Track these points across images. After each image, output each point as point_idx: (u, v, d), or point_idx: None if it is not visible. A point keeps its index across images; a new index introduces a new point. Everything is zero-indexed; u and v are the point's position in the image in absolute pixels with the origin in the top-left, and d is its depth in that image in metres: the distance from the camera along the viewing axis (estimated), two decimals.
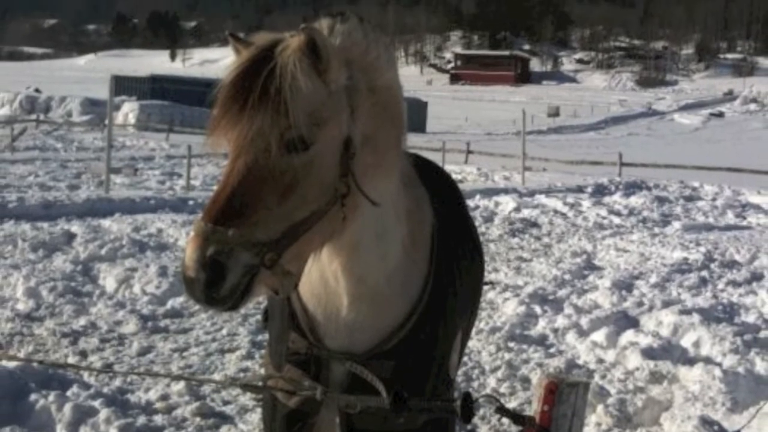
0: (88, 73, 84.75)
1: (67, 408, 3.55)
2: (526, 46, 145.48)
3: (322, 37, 1.42)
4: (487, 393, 3.97)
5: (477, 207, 11.09)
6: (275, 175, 1.39)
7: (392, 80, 1.61)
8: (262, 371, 1.99)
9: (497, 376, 4.48)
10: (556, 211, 11.33)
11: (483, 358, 4.79)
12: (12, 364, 3.82)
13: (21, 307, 5.40)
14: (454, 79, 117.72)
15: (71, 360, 4.44)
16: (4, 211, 8.71)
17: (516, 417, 1.63)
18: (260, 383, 1.87)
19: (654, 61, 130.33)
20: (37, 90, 40.48)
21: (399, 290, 1.71)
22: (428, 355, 1.76)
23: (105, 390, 3.90)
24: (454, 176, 2.55)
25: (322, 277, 1.70)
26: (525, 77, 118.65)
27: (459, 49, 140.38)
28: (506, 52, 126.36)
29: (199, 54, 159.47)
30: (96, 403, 3.67)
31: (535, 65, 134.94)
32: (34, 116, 30.38)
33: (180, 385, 3.98)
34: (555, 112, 55.58)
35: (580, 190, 13.80)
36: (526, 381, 4.42)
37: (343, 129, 1.46)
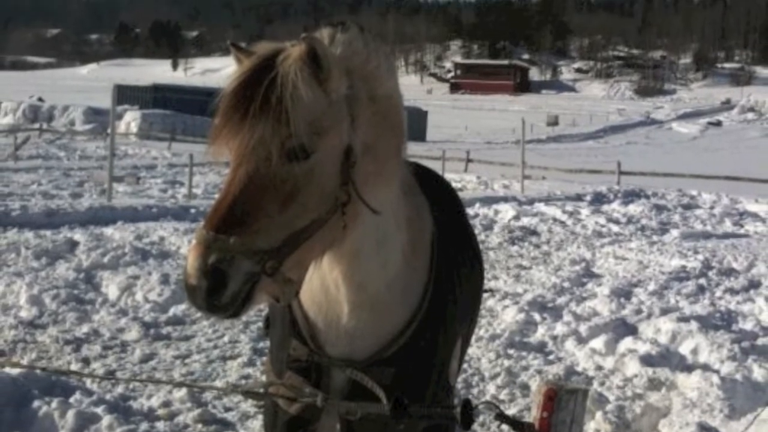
0: (91, 82, 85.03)
1: (70, 415, 3.57)
2: (526, 56, 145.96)
3: (323, 47, 1.44)
4: (487, 400, 3.97)
5: (477, 215, 11.11)
6: (276, 183, 1.40)
7: (392, 89, 1.62)
8: (264, 378, 1.99)
9: (497, 382, 4.50)
10: (555, 220, 11.34)
11: (483, 365, 4.81)
12: (15, 371, 3.84)
13: (24, 314, 5.43)
14: (454, 88, 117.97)
15: (74, 367, 4.45)
16: (8, 219, 8.73)
17: (515, 423, 1.65)
18: (261, 390, 1.88)
19: (652, 70, 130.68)
20: (40, 99, 40.62)
21: (399, 298, 1.72)
22: (428, 362, 1.77)
23: (107, 397, 3.92)
24: (453, 185, 2.57)
25: (323, 285, 1.71)
26: (524, 86, 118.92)
27: (459, 59, 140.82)
28: (505, 62, 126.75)
29: (200, 63, 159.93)
30: (99, 410, 3.68)
31: (535, 74, 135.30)
32: (37, 125, 30.46)
33: (182, 392, 3.99)
34: (554, 121, 55.70)
35: (579, 198, 13.80)
36: (525, 388, 4.43)
37: (344, 138, 1.47)
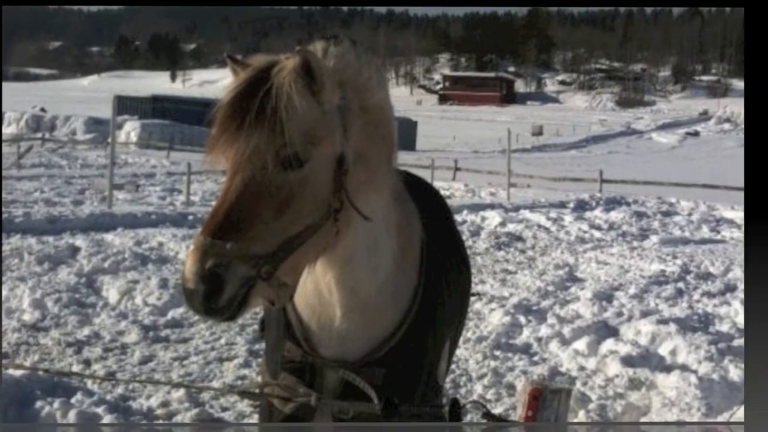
0: (92, 93, 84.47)
1: (72, 414, 3.65)
2: (511, 68, 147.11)
3: (317, 59, 1.48)
4: (474, 399, 4.06)
5: (464, 222, 11.20)
6: (271, 191, 1.44)
7: (383, 100, 1.65)
8: (259, 379, 2.01)
9: (484, 383, 4.60)
10: (539, 226, 11.42)
11: (470, 365, 4.91)
12: (18, 373, 3.92)
13: (27, 317, 5.51)
14: (443, 99, 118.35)
15: (75, 368, 4.54)
16: (11, 225, 8.75)
17: (502, 422, 1.74)
18: (257, 390, 1.89)
19: (633, 82, 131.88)
20: (42, 109, 40.49)
21: (390, 301, 1.75)
22: (418, 363, 1.80)
23: (108, 397, 4.00)
24: (442, 192, 2.63)
25: (317, 289, 1.73)
26: (510, 98, 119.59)
27: (447, 71, 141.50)
28: (492, 74, 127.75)
29: (198, 75, 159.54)
30: (99, 410, 3.77)
31: (520, 86, 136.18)
32: (39, 135, 30.32)
33: (180, 392, 4.06)
34: (539, 131, 55.85)
35: (562, 205, 13.83)
36: (511, 388, 4.53)
37: (337, 147, 1.51)
